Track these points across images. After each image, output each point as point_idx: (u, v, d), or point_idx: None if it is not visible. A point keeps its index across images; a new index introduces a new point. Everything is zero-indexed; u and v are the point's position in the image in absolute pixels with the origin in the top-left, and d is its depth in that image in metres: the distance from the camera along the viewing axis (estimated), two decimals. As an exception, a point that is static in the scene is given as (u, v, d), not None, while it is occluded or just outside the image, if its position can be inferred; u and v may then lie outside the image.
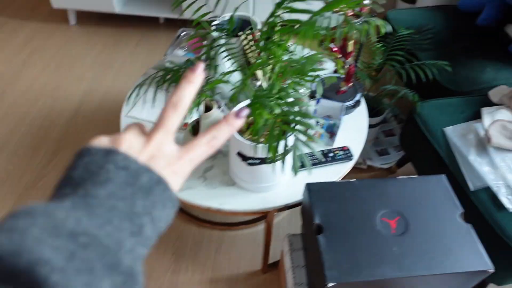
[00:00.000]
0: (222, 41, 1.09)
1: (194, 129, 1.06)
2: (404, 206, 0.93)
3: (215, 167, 1.11)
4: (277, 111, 0.63)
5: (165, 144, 0.31)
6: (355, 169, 1.67)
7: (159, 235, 0.29)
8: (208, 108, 1.03)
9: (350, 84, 1.22)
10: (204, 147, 0.32)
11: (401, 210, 0.92)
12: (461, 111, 1.33)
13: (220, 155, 1.13)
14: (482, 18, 1.66)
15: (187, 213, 1.51)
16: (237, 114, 0.34)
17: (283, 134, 0.64)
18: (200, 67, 0.34)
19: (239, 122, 0.34)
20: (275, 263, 1.36)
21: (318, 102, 1.16)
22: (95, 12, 2.44)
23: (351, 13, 1.00)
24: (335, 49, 1.14)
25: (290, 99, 0.69)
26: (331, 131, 1.14)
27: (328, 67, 1.38)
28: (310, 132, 1.14)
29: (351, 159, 1.13)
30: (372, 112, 1.62)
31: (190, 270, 1.37)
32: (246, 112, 0.34)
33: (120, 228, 0.26)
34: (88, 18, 2.48)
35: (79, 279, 0.21)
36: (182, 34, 1.34)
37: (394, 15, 1.77)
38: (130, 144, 0.30)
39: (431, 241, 0.87)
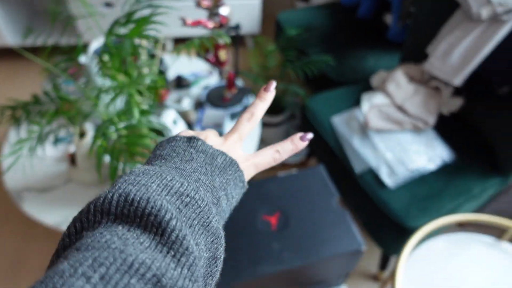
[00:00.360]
0: (94, 66, 1.08)
1: (72, 159, 1.04)
2: (284, 202, 0.97)
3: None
4: (114, 137, 0.64)
5: (237, 146, 0.37)
6: (268, 168, 1.72)
7: (231, 211, 0.34)
8: (82, 134, 1.01)
9: (234, 90, 1.25)
10: (268, 158, 0.37)
11: (281, 206, 0.96)
12: (346, 100, 1.42)
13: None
14: (361, 11, 1.78)
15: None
16: (302, 137, 0.38)
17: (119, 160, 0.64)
18: (272, 86, 0.39)
19: (303, 144, 0.38)
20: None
21: (202, 111, 1.18)
22: (-11, 47, 2.30)
23: (212, 26, 1.03)
24: (211, 59, 1.17)
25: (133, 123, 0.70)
26: (219, 139, 1.16)
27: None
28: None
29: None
30: (275, 111, 1.68)
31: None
32: (310, 136, 0.38)
33: (206, 196, 0.30)
34: (-17, 55, 2.34)
35: (187, 229, 0.26)
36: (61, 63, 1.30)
37: (284, 17, 1.85)
38: (211, 139, 0.36)
39: (309, 231, 0.92)
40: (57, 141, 1.22)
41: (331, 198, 0.99)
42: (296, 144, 0.37)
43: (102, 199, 0.26)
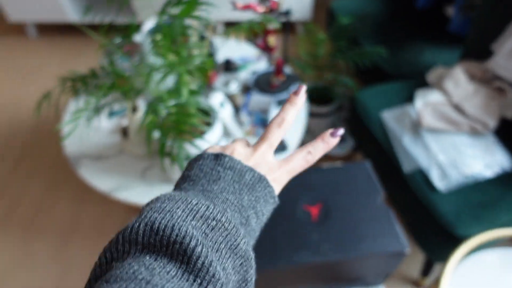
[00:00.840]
0: (148, 45, 1.10)
1: (124, 132, 1.07)
2: (327, 194, 0.95)
3: (154, 166, 1.13)
4: (163, 113, 0.65)
5: (268, 155, 0.35)
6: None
7: (261, 229, 0.33)
8: (135, 109, 1.04)
9: (282, 77, 1.23)
10: (300, 161, 0.35)
11: (324, 198, 0.94)
12: (399, 95, 1.35)
13: (156, 155, 1.15)
14: (420, 1, 1.67)
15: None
16: (333, 134, 0.36)
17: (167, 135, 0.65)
18: (302, 90, 0.37)
19: (335, 141, 0.36)
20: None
21: (249, 96, 1.18)
22: (55, 23, 2.44)
23: (262, 10, 1.01)
24: (260, 44, 1.16)
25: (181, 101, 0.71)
26: (264, 125, 1.15)
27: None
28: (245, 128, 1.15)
29: (285, 150, 1.15)
30: (324, 101, 1.64)
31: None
32: (341, 131, 0.36)
33: (234, 217, 0.30)
34: (49, 30, 2.48)
35: (213, 255, 0.26)
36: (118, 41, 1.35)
37: (338, 4, 1.79)
38: (238, 152, 0.34)
39: (351, 226, 0.89)
40: (112, 114, 1.27)
41: (376, 195, 0.95)
42: (327, 142, 0.35)
43: (129, 229, 0.26)
